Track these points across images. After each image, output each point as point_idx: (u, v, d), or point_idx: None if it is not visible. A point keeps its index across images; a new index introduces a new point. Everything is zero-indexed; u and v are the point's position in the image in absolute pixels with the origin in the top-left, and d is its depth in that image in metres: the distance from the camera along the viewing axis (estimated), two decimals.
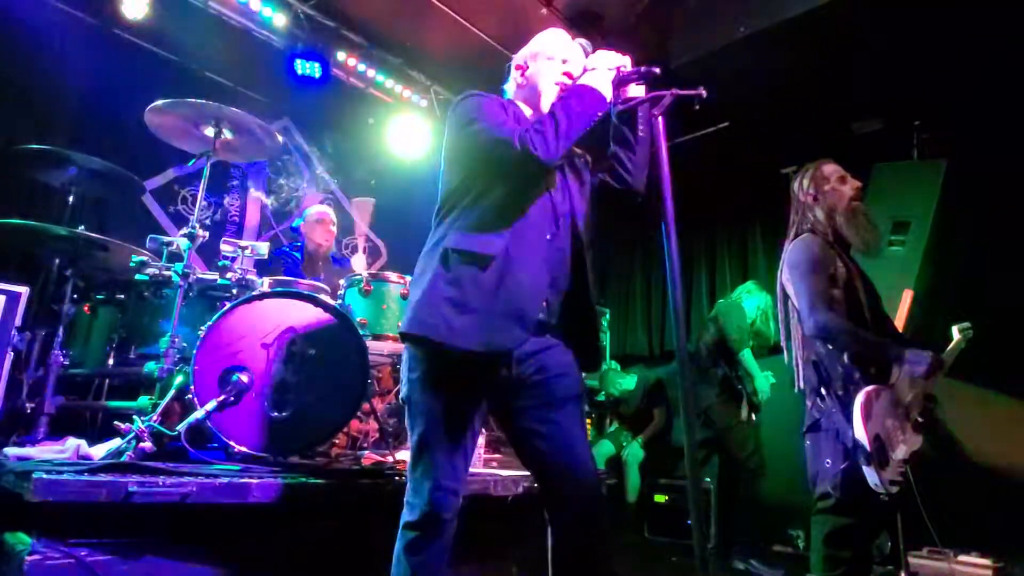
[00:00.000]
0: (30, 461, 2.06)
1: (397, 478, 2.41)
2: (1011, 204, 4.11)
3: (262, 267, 3.21)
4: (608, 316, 6.24)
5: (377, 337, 2.89)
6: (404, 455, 2.87)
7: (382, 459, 2.70)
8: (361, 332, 2.88)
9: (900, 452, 2.16)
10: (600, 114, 1.71)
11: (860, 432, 2.08)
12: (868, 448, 2.06)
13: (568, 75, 1.80)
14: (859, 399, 2.12)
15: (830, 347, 2.26)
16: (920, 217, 4.29)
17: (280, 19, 4.44)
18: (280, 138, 2.97)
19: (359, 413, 3.00)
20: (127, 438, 2.08)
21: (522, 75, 1.86)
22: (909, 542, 3.94)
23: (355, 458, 2.86)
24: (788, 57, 3.99)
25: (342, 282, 3.11)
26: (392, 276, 3.02)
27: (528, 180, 1.66)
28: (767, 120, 4.79)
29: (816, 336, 2.22)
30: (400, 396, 1.66)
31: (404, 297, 2.99)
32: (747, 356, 4.15)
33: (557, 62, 1.83)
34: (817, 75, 4.18)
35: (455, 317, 1.53)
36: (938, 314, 4.21)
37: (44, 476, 1.77)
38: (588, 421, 5.66)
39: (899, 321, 4.20)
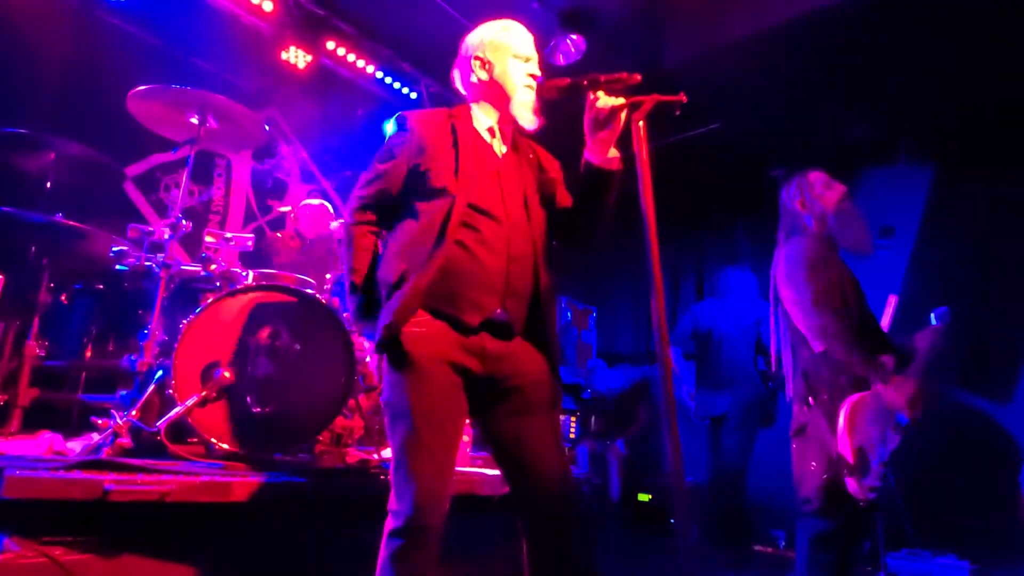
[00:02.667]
0: (2, 456, 1.99)
1: (382, 477, 2.38)
2: (996, 210, 4.15)
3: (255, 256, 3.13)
4: (595, 314, 6.23)
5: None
6: (389, 453, 2.83)
7: (367, 457, 2.66)
8: (348, 327, 2.84)
9: (880, 456, 2.19)
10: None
11: (844, 445, 2.12)
12: (851, 461, 2.11)
13: (533, 76, 1.77)
14: (844, 411, 2.15)
15: (818, 351, 2.27)
16: (906, 222, 4.34)
17: (269, 4, 4.34)
18: (267, 128, 2.90)
19: (344, 410, 2.94)
20: (104, 433, 2.02)
21: (486, 72, 1.78)
22: (888, 543, 4.00)
23: (339, 456, 2.81)
24: (780, 61, 3.99)
25: (328, 276, 3.06)
26: None
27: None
28: (757, 123, 4.80)
29: (817, 336, 2.22)
30: (380, 400, 1.63)
31: None
32: None
33: (522, 61, 1.78)
34: (808, 80, 4.19)
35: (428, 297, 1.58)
36: (923, 320, 4.26)
37: (17, 473, 1.71)
38: (572, 419, 5.66)
39: (884, 325, 4.24)
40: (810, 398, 2.26)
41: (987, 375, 4.19)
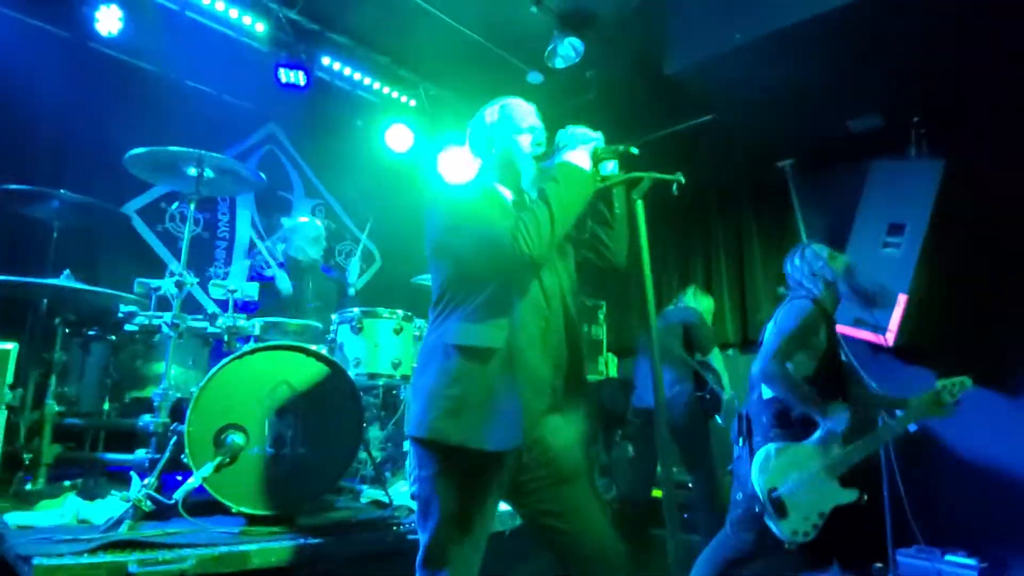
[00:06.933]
0: (31, 533, 2.08)
1: (394, 527, 2.45)
2: (1009, 206, 4.06)
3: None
4: (604, 309, 6.25)
5: (372, 376, 2.90)
6: (400, 486, 2.91)
7: (382, 502, 2.72)
8: (355, 371, 2.89)
9: (813, 505, 2.32)
10: (590, 198, 1.69)
11: (755, 483, 2.31)
12: (762, 499, 2.29)
13: (541, 147, 1.78)
14: (758, 455, 2.35)
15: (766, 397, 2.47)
16: (916, 219, 4.25)
17: (261, 26, 4.28)
18: (262, 176, 2.90)
19: None
20: (126, 509, 2.10)
21: (493, 151, 1.80)
22: (898, 540, 4.04)
23: (354, 495, 2.89)
24: (784, 62, 3.87)
25: (334, 317, 3.09)
26: (383, 312, 3.00)
27: (521, 273, 1.63)
28: (763, 117, 4.70)
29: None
30: (411, 494, 1.66)
31: (397, 333, 2.98)
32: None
33: (527, 134, 1.79)
34: (814, 77, 4.07)
35: (461, 417, 1.53)
36: (933, 319, 4.21)
37: (44, 562, 1.80)
38: None
39: (893, 325, 4.21)
40: (740, 439, 2.48)
41: (1000, 373, 4.16)
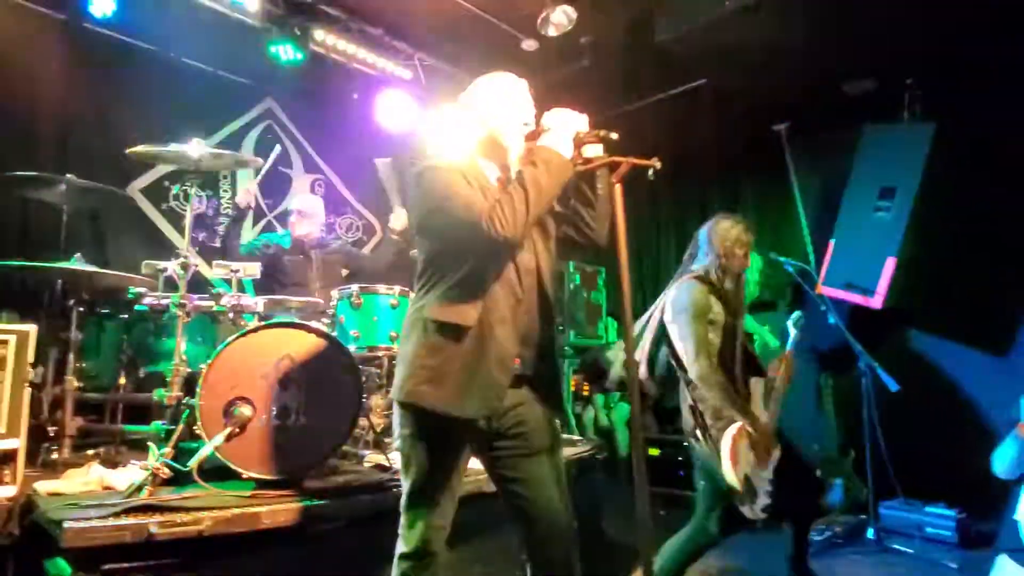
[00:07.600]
0: (60, 500, 2.26)
1: (395, 489, 2.63)
2: (998, 168, 4.09)
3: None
4: (603, 275, 6.35)
5: (371, 349, 3.05)
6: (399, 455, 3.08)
7: (383, 465, 2.90)
8: (355, 345, 3.04)
9: (765, 474, 2.37)
10: (566, 182, 1.78)
11: (731, 477, 2.26)
12: (740, 491, 2.28)
13: (529, 126, 1.84)
14: (725, 444, 2.27)
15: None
16: (907, 183, 4.29)
17: (253, 2, 4.30)
18: (260, 161, 3.00)
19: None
20: (146, 476, 2.28)
21: (481, 127, 1.86)
22: (882, 492, 4.21)
23: (357, 460, 3.07)
24: (777, 26, 3.88)
25: (334, 293, 3.22)
26: (381, 288, 3.13)
27: (496, 254, 1.74)
28: (757, 81, 4.71)
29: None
30: (395, 447, 1.83)
31: (394, 307, 3.12)
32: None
33: (519, 114, 1.85)
34: (808, 40, 4.07)
35: (437, 385, 1.71)
36: (921, 282, 4.29)
37: (74, 525, 1.98)
38: (580, 379, 5.92)
39: (881, 288, 4.29)
40: (698, 430, 2.42)
41: (984, 330, 4.26)
